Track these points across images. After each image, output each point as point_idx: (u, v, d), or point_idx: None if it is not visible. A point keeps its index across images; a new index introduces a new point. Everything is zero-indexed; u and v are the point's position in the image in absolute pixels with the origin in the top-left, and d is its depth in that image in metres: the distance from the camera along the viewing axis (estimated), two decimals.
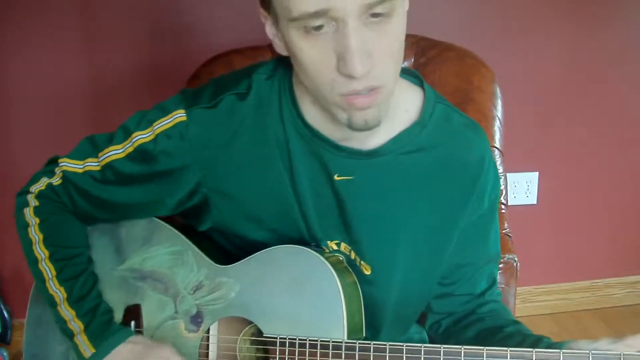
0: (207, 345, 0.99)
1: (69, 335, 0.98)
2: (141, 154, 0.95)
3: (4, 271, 1.99)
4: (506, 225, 1.44)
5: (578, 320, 2.27)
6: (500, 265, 1.37)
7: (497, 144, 1.43)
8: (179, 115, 0.93)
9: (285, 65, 0.94)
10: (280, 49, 0.87)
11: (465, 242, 0.99)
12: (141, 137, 0.94)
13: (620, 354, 0.77)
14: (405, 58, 1.47)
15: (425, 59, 1.46)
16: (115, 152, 0.96)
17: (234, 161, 0.94)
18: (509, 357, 0.81)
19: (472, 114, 1.39)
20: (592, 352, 0.78)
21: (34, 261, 1.01)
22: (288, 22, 0.78)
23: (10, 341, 1.97)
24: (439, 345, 0.84)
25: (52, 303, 0.99)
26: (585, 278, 2.33)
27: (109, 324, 0.98)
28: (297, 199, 0.95)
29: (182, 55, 1.84)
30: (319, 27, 0.77)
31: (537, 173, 2.18)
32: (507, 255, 1.38)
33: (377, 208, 0.95)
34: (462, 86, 1.43)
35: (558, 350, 0.79)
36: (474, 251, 1.02)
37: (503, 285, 1.36)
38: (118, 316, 1.03)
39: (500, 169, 1.44)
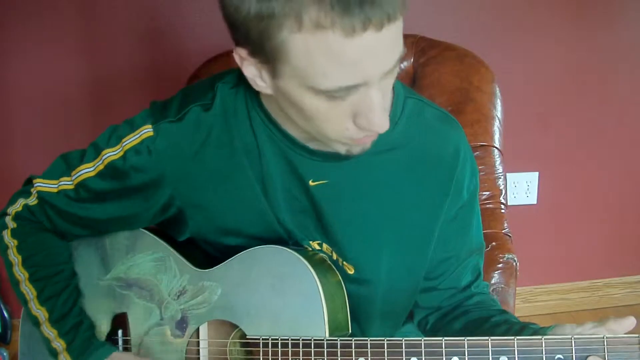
0: (197, 350, 0.99)
1: (54, 354, 1.00)
2: (112, 170, 0.95)
3: (4, 271, 1.99)
4: (506, 225, 1.44)
5: (578, 320, 2.26)
6: (500, 265, 1.37)
7: (497, 144, 1.44)
8: (146, 130, 0.94)
9: None
10: (264, 90, 0.83)
11: (446, 235, 0.99)
12: (110, 154, 0.95)
13: (604, 337, 0.77)
14: (405, 58, 1.47)
15: (425, 59, 1.46)
16: (87, 171, 0.97)
17: (203, 172, 0.94)
18: (490, 347, 0.81)
19: (471, 114, 1.41)
20: (575, 336, 0.78)
21: (15, 283, 1.02)
22: (307, 88, 0.76)
23: (10, 341, 1.97)
24: (419, 339, 0.84)
25: (36, 323, 1.01)
26: (585, 278, 2.33)
27: (90, 341, 0.99)
28: (269, 204, 0.95)
29: (182, 55, 1.84)
30: (345, 95, 0.76)
31: (537, 173, 2.18)
32: (507, 255, 1.39)
33: (354, 210, 0.95)
34: (462, 86, 1.43)
35: (540, 337, 0.79)
36: (456, 244, 1.01)
37: (503, 285, 1.36)
38: (105, 325, 1.04)
39: (500, 169, 1.44)
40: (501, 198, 1.44)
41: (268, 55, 0.76)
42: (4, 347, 1.94)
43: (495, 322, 0.96)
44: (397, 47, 0.75)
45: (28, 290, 1.01)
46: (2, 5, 1.77)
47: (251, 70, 0.81)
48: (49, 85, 1.86)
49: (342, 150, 0.86)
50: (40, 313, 1.00)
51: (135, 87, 1.87)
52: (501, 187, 1.44)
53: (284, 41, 0.72)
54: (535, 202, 2.20)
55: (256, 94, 0.92)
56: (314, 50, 0.71)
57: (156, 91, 1.83)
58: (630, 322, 0.79)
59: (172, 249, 1.01)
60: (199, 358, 0.99)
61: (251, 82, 0.84)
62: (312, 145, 0.91)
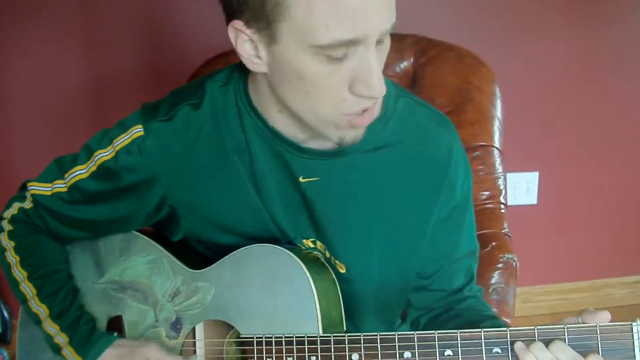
0: (193, 351, 0.99)
1: (57, 349, 1.00)
2: (104, 171, 0.96)
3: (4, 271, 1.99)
4: (506, 225, 1.44)
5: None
6: (500, 265, 1.37)
7: (497, 144, 1.44)
8: (137, 130, 0.94)
9: (239, 71, 0.94)
10: (259, 68, 0.84)
11: (438, 235, 0.99)
12: (102, 155, 0.96)
13: (596, 326, 0.78)
14: (405, 58, 1.47)
15: (425, 59, 1.46)
16: (80, 172, 0.97)
17: (194, 171, 0.95)
18: (482, 339, 0.81)
19: (471, 114, 1.41)
20: (568, 326, 0.79)
21: (14, 283, 1.03)
22: (307, 48, 0.77)
23: (10, 341, 1.97)
24: (412, 333, 0.84)
25: (37, 320, 1.02)
26: (585, 278, 2.33)
27: (92, 333, 0.99)
28: (263, 202, 0.95)
29: (182, 55, 1.84)
30: (343, 56, 0.77)
31: (537, 173, 2.18)
32: (507, 255, 1.39)
33: (345, 208, 0.95)
34: (461, 86, 1.43)
35: (532, 328, 0.80)
36: (448, 244, 1.01)
37: (503, 285, 1.36)
38: (101, 329, 1.04)
39: (500, 169, 1.44)
40: (501, 198, 1.44)
41: (268, 16, 0.77)
42: (4, 347, 1.94)
43: (483, 327, 0.96)
44: (392, 8, 0.78)
45: (27, 288, 1.01)
46: (2, 5, 1.77)
47: (246, 47, 0.82)
48: (49, 85, 1.86)
49: (335, 137, 0.85)
50: (41, 310, 1.00)
51: (136, 87, 1.87)
52: (501, 187, 1.44)
53: None
54: (535, 202, 2.20)
55: (245, 91, 0.93)
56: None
57: (156, 91, 1.82)
58: (605, 316, 0.79)
59: (165, 251, 1.01)
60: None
61: (246, 62, 0.84)
62: (301, 143, 0.92)
